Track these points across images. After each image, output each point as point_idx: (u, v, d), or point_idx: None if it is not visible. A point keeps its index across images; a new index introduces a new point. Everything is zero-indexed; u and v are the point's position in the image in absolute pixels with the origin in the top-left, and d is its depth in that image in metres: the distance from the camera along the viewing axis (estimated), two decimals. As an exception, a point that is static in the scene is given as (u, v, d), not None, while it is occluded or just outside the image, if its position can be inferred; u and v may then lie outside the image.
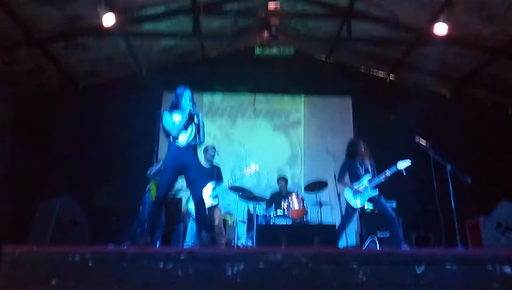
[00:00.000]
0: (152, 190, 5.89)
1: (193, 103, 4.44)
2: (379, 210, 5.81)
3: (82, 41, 7.05)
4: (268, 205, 6.95)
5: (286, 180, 7.30)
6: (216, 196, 6.13)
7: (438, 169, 5.21)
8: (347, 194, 5.70)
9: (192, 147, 4.32)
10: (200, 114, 4.55)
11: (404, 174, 5.47)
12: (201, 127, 4.46)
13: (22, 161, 7.37)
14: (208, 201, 5.92)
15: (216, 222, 5.99)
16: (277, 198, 6.88)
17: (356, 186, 5.59)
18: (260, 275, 3.11)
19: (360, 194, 5.56)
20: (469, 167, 5.51)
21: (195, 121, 4.41)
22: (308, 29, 8.39)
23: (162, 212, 4.60)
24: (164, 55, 8.46)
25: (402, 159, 5.53)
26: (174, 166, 4.26)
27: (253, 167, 6.35)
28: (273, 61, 8.27)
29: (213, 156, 6.31)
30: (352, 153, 5.79)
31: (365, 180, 5.59)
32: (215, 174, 6.24)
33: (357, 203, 5.58)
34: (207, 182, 6.07)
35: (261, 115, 8.84)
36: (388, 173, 5.48)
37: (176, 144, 4.31)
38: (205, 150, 6.31)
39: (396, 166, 5.47)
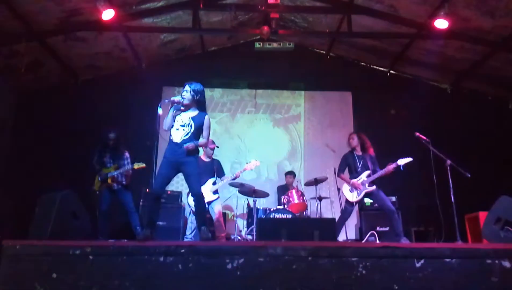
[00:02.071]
0: (96, 182, 5.95)
1: (189, 93, 4.35)
2: (378, 204, 5.82)
3: (81, 35, 7.03)
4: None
5: (294, 175, 7.41)
6: (216, 191, 6.15)
7: (438, 163, 5.21)
8: (345, 188, 5.73)
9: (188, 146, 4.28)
10: (206, 114, 4.40)
11: (402, 170, 5.47)
12: (205, 128, 4.36)
13: (22, 155, 7.37)
14: (208, 196, 5.94)
15: (216, 216, 6.01)
16: (285, 190, 6.93)
17: (354, 181, 5.60)
18: (260, 269, 3.12)
19: (358, 189, 5.58)
20: (469, 162, 5.52)
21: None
22: (308, 23, 8.35)
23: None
24: (164, 50, 8.44)
25: (402, 155, 5.54)
26: (170, 161, 4.25)
27: (253, 163, 6.36)
28: (273, 56, 8.24)
29: (213, 149, 6.32)
30: (350, 146, 5.82)
31: (364, 175, 5.61)
32: (215, 168, 6.25)
33: (353, 197, 5.60)
34: (207, 177, 6.08)
35: (261, 110, 8.83)
36: (386, 169, 5.49)
37: (171, 138, 4.30)
38: (210, 143, 6.31)
39: (397, 162, 5.48)
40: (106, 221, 5.80)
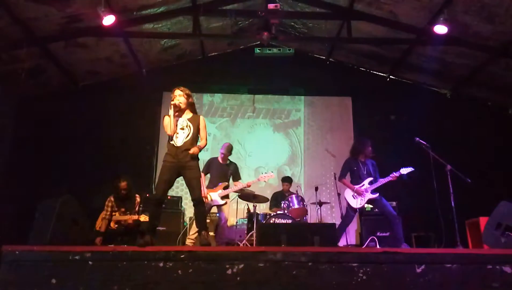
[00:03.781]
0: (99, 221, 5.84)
1: (183, 97, 4.36)
2: (379, 210, 5.81)
3: (82, 41, 7.05)
4: (272, 205, 6.97)
5: (290, 181, 7.34)
6: (226, 196, 6.11)
7: (438, 169, 5.21)
8: (348, 194, 5.70)
9: (189, 148, 4.29)
10: (200, 115, 4.51)
11: (405, 179, 5.48)
12: (201, 129, 4.43)
13: (22, 160, 7.37)
14: (217, 200, 5.92)
15: (222, 221, 5.98)
16: (280, 197, 6.90)
17: (357, 187, 5.59)
18: (260, 274, 3.11)
19: (361, 196, 5.56)
20: (469, 167, 5.52)
21: (175, 102, 4.30)
22: (308, 29, 8.39)
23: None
24: (164, 55, 8.46)
25: (402, 160, 5.56)
26: (171, 165, 4.24)
27: (268, 175, 6.34)
28: (273, 61, 8.27)
29: (227, 153, 6.27)
30: (357, 152, 5.78)
31: (366, 182, 5.60)
32: (230, 172, 6.21)
33: (357, 203, 5.58)
34: (220, 181, 6.05)
35: (261, 115, 8.84)
36: (390, 177, 5.50)
37: (171, 143, 4.30)
38: (222, 148, 6.31)
39: (400, 171, 5.48)
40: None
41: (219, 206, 5.97)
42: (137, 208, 5.91)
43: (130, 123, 8.09)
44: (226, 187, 6.08)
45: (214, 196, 5.90)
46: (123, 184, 5.83)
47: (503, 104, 8.23)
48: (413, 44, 7.51)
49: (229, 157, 6.35)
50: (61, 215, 4.18)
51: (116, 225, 5.78)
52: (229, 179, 6.18)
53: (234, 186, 6.20)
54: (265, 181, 6.54)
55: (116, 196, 5.89)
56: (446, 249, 4.34)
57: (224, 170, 6.18)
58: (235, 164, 6.41)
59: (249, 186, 6.24)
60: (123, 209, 5.85)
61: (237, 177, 6.28)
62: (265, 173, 6.43)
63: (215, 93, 8.89)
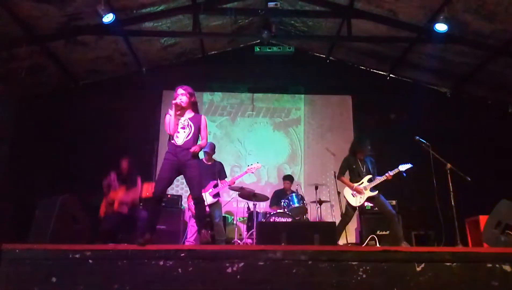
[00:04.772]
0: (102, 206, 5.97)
1: (185, 96, 4.37)
2: (378, 208, 5.81)
3: (82, 39, 7.05)
4: (273, 203, 6.98)
5: (291, 180, 7.35)
6: (217, 194, 6.13)
7: (438, 167, 5.21)
8: (347, 192, 5.70)
9: (190, 147, 4.29)
10: (201, 115, 4.51)
11: (405, 175, 5.49)
12: (202, 129, 4.43)
13: (22, 158, 7.37)
14: (208, 199, 5.92)
15: (217, 220, 5.99)
16: (281, 195, 6.90)
17: (356, 185, 5.59)
18: (260, 273, 3.11)
19: (360, 193, 5.56)
20: (469, 165, 5.52)
21: (178, 101, 4.29)
22: (308, 27, 8.38)
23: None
24: (164, 54, 8.46)
25: (403, 160, 5.56)
26: (172, 164, 4.25)
27: (255, 166, 6.34)
28: (273, 59, 8.26)
29: (211, 152, 6.29)
30: (356, 150, 5.78)
31: (365, 179, 5.60)
32: (216, 171, 6.23)
33: (356, 201, 5.58)
34: (208, 180, 6.07)
35: (261, 114, 8.84)
36: (388, 175, 5.50)
37: (172, 142, 4.30)
38: (205, 147, 6.30)
39: (398, 168, 5.49)
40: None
41: (212, 205, 5.98)
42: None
43: (130, 121, 8.08)
44: (216, 186, 6.10)
45: (206, 195, 5.91)
46: (124, 163, 6.02)
47: (503, 102, 8.22)
48: (413, 43, 7.51)
49: (213, 156, 6.37)
50: (61, 214, 4.19)
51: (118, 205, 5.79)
52: (217, 178, 6.19)
53: (221, 184, 6.20)
54: (252, 173, 6.53)
55: (117, 176, 5.97)
56: (446, 248, 4.35)
57: (211, 170, 6.19)
58: (220, 162, 6.43)
59: (233, 183, 6.24)
60: (124, 188, 5.90)
61: (223, 176, 6.30)
62: (251, 165, 6.40)
63: (215, 92, 8.88)
